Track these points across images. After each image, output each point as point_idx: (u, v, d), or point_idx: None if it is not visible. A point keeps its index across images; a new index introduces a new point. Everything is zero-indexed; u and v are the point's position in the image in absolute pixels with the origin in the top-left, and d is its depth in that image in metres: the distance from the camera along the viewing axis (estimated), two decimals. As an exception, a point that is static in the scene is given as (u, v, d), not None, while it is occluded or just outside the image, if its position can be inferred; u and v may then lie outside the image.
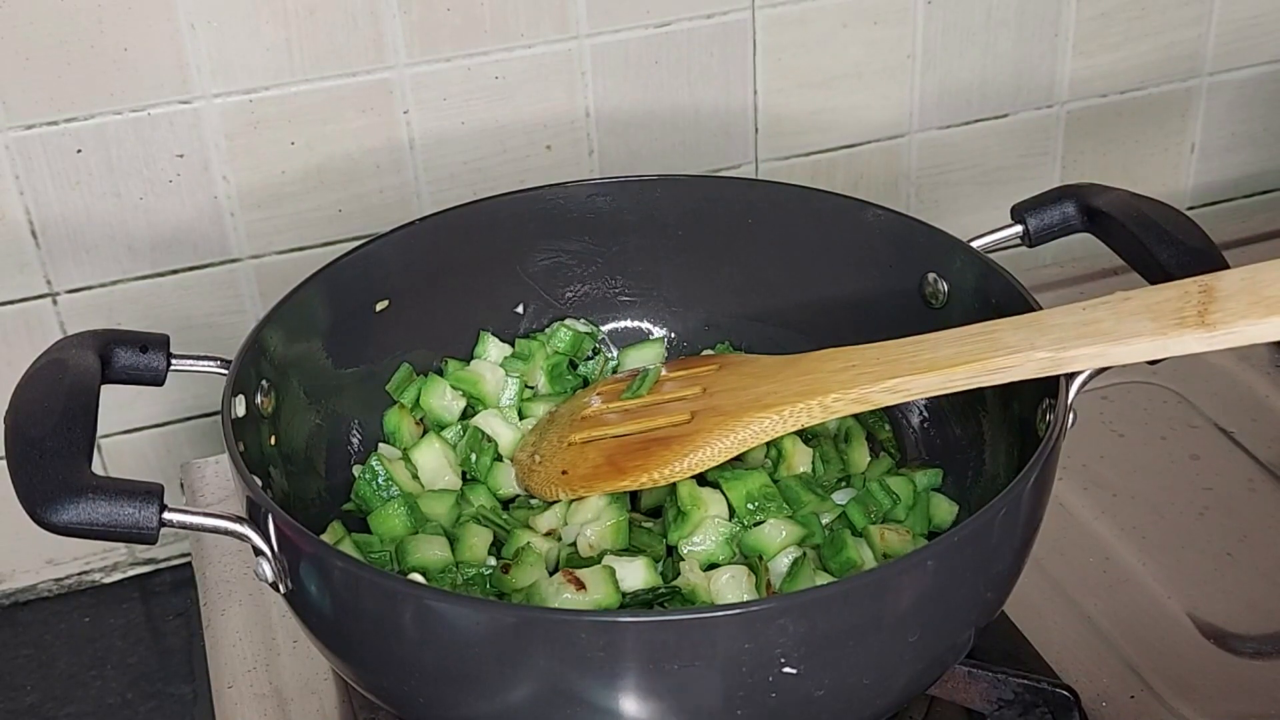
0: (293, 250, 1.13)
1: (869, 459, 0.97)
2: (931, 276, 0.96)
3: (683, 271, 1.05)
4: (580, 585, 0.82)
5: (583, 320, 1.05)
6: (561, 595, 0.81)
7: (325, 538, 0.88)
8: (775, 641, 0.69)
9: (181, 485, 1.11)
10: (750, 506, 0.88)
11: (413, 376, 1.00)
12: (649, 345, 1.05)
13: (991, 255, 0.93)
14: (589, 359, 1.05)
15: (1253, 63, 1.33)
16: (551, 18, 1.11)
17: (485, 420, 0.97)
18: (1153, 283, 0.87)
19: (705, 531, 0.87)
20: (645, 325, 1.07)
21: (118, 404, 1.11)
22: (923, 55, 1.23)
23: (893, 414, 1.00)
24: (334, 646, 0.79)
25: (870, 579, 0.73)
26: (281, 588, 0.77)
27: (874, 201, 0.99)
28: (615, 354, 1.06)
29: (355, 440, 0.98)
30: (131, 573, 1.21)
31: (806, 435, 0.95)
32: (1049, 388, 0.82)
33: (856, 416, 0.98)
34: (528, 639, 0.69)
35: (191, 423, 1.17)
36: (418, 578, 0.84)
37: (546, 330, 1.04)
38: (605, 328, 1.06)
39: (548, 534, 0.90)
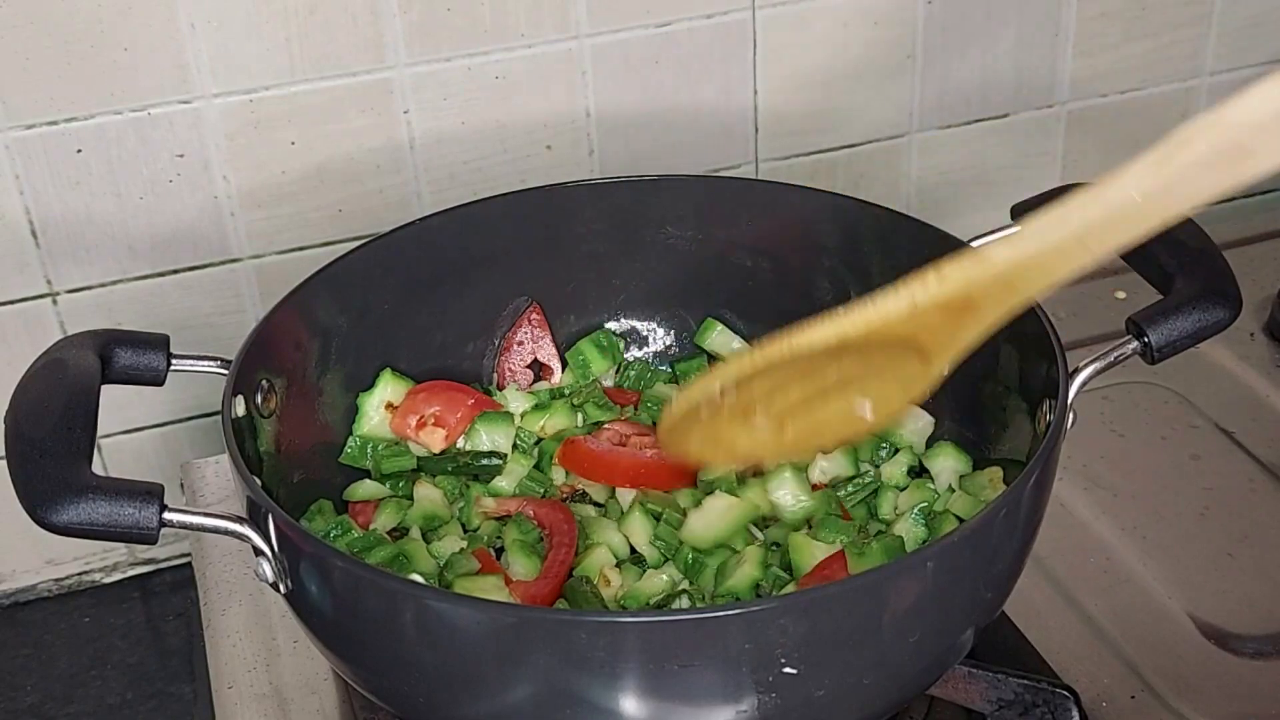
0: (293, 250, 1.13)
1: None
2: (932, 277, 0.96)
3: (683, 271, 1.05)
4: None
5: (601, 333, 1.05)
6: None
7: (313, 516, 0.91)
8: (776, 641, 0.69)
9: (181, 485, 1.11)
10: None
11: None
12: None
13: (991, 255, 0.93)
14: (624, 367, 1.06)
15: (1253, 63, 1.33)
16: (552, 18, 1.11)
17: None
18: (1153, 283, 0.87)
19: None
20: (644, 325, 1.07)
21: (118, 404, 1.11)
22: (923, 55, 1.23)
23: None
24: (334, 646, 0.79)
25: (870, 579, 0.73)
26: (282, 588, 0.77)
27: (874, 201, 1.00)
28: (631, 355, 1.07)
29: (355, 440, 0.98)
30: (131, 573, 1.21)
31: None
32: (1049, 388, 0.82)
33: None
34: (528, 639, 0.69)
35: (191, 423, 1.17)
36: (418, 578, 0.84)
37: (567, 364, 1.05)
38: (604, 327, 1.06)
39: None
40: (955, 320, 0.75)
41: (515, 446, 0.99)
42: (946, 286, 0.73)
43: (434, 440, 0.97)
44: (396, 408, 0.98)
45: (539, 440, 1.00)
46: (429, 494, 0.95)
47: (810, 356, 0.78)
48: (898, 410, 0.87)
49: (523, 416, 1.01)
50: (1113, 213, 0.68)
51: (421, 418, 0.97)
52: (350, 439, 0.97)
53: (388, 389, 0.98)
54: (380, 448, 0.97)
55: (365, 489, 0.96)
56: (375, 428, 0.98)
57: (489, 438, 0.98)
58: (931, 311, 0.75)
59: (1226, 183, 0.65)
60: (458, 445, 0.98)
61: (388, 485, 0.96)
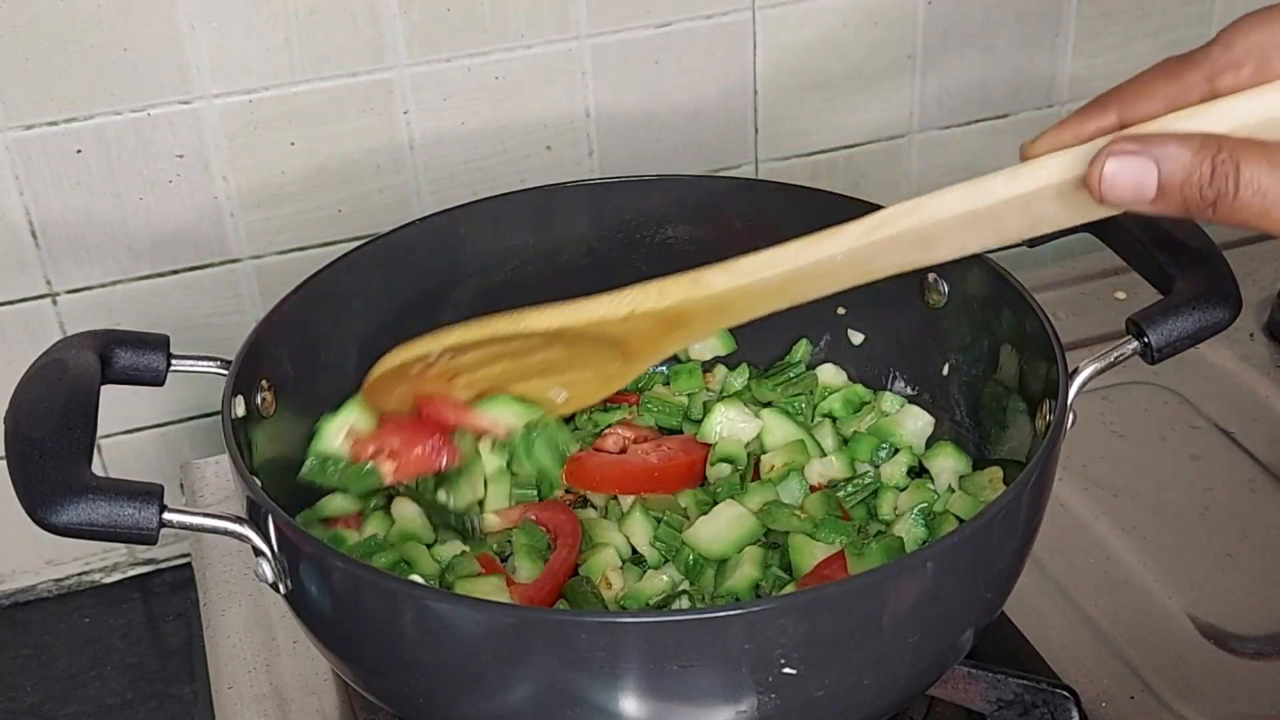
0: (293, 250, 1.13)
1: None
2: (931, 277, 0.96)
3: (683, 271, 1.05)
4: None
5: None
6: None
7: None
8: (775, 642, 0.69)
9: (181, 485, 1.11)
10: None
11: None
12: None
13: (992, 255, 0.93)
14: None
15: (1253, 63, 1.33)
16: (551, 18, 1.11)
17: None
18: (1153, 283, 0.87)
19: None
20: (645, 325, 1.07)
21: (118, 404, 1.11)
22: (923, 55, 1.23)
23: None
24: (334, 647, 0.79)
25: (870, 579, 0.73)
26: (281, 588, 0.77)
27: (874, 201, 0.99)
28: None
29: (313, 459, 0.96)
30: (131, 573, 1.21)
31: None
32: (1049, 388, 0.82)
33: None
34: (528, 640, 0.69)
35: (191, 423, 1.17)
36: (418, 578, 0.84)
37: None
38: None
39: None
40: (664, 332, 0.83)
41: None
42: (665, 301, 0.81)
43: (385, 471, 0.90)
44: (361, 438, 0.91)
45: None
46: (407, 511, 0.92)
47: (526, 338, 0.86)
48: (589, 402, 0.94)
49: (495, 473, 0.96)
50: (817, 267, 0.77)
51: (379, 447, 0.91)
52: (309, 458, 0.90)
53: (352, 416, 0.91)
54: (343, 465, 0.90)
55: (336, 504, 0.92)
56: (333, 448, 0.91)
57: (463, 492, 0.93)
58: (646, 320, 0.82)
59: (914, 260, 0.75)
60: (441, 499, 0.93)
61: (361, 500, 0.93)
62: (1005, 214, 0.71)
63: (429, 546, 0.91)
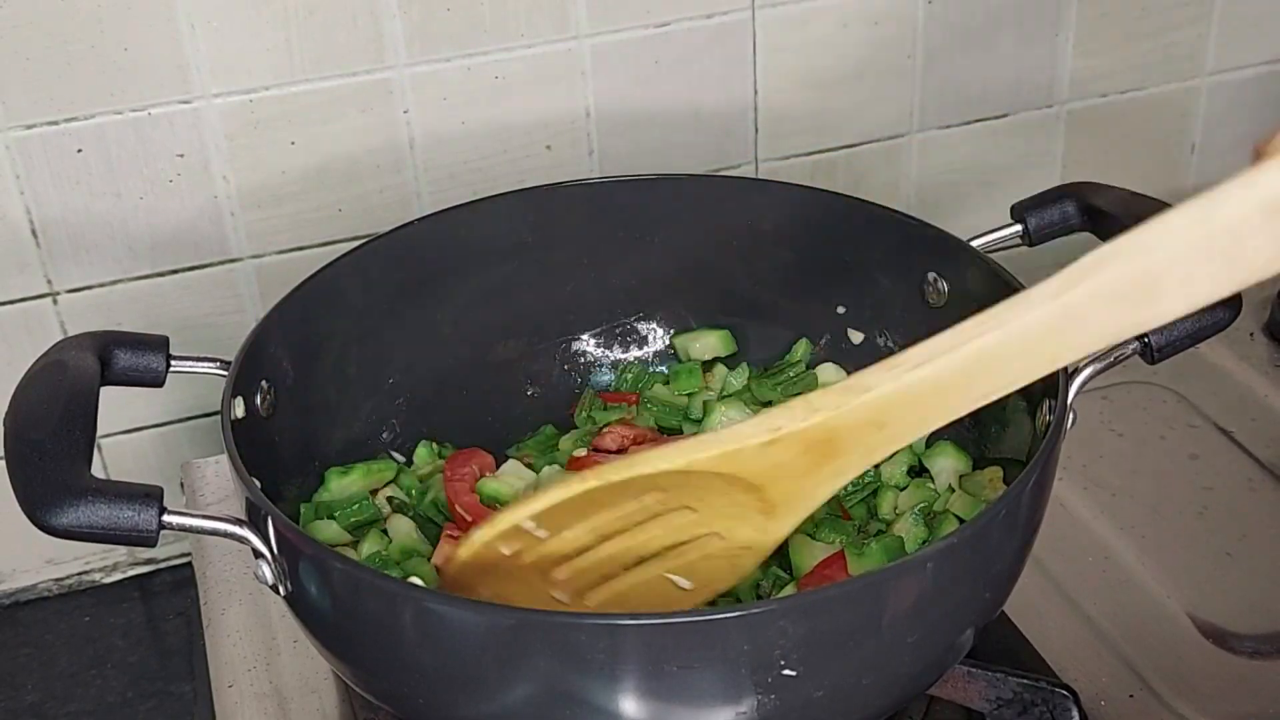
0: (293, 250, 1.13)
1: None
2: (931, 276, 0.96)
3: (683, 271, 1.05)
4: None
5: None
6: None
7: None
8: (775, 643, 0.69)
9: (181, 485, 1.11)
10: None
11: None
12: (710, 333, 1.05)
13: (992, 255, 0.93)
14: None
15: (1253, 63, 1.33)
16: (551, 18, 1.11)
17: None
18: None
19: None
20: (644, 325, 1.07)
21: (118, 404, 1.11)
22: (923, 55, 1.23)
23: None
24: (334, 648, 0.79)
25: (869, 581, 0.73)
26: (281, 590, 0.77)
27: (874, 201, 1.00)
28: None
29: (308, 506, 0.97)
30: (131, 573, 1.21)
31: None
32: (1049, 388, 0.82)
33: None
34: (527, 641, 0.69)
35: (192, 423, 1.17)
36: (417, 580, 0.84)
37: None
38: (601, 328, 1.06)
39: None
40: (814, 464, 0.68)
41: None
42: (812, 417, 0.66)
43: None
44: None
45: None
46: (404, 528, 0.92)
47: (639, 496, 0.69)
48: (724, 587, 0.76)
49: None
50: (1004, 346, 0.62)
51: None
52: (304, 506, 0.92)
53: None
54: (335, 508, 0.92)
55: (331, 532, 0.91)
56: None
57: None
58: (791, 446, 0.67)
59: (1130, 322, 0.60)
60: None
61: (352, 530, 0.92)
62: (1248, 231, 0.57)
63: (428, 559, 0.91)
